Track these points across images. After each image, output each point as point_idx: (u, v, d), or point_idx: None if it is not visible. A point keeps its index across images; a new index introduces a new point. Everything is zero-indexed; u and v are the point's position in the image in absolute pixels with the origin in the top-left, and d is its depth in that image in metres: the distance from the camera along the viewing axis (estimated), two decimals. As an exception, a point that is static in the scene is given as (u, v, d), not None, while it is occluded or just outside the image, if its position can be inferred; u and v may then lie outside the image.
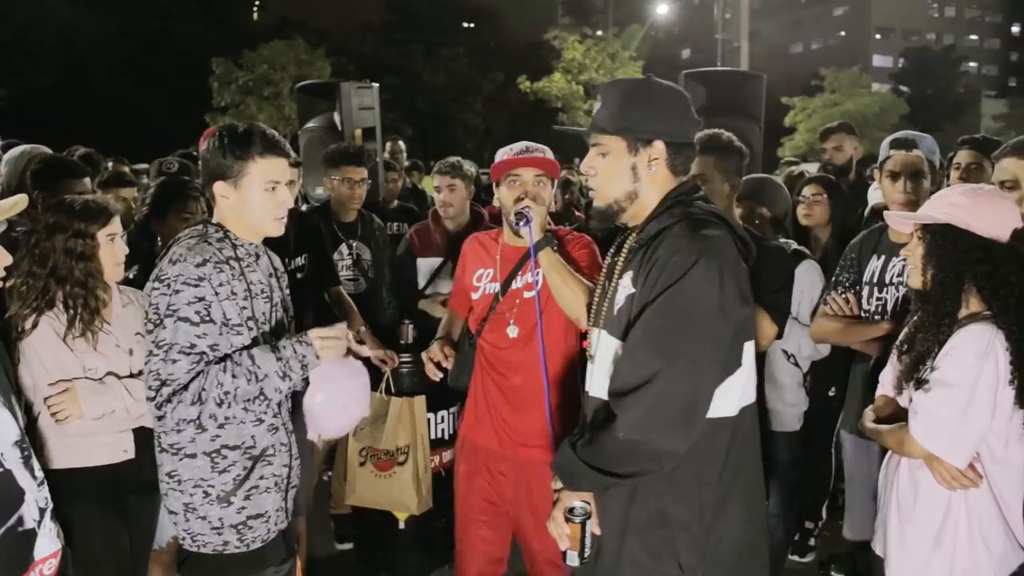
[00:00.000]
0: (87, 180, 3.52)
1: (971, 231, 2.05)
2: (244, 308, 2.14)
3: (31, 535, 1.83)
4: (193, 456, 2.13)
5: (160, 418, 2.05)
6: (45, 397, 2.41)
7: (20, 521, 1.80)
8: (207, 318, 2.06)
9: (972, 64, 51.71)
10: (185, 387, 2.02)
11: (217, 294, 2.07)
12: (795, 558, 3.92)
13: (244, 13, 38.36)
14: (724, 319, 1.74)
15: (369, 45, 34.90)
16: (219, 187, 2.16)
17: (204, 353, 2.06)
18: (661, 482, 1.80)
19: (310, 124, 5.86)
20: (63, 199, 2.54)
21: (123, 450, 2.53)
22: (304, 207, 4.70)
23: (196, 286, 2.04)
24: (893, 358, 2.28)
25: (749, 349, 1.86)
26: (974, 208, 2.06)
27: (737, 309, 1.77)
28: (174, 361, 2.03)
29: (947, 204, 2.10)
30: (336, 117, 5.73)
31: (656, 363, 1.71)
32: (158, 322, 2.05)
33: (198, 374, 2.04)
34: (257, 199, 2.15)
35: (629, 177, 1.88)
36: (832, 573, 3.76)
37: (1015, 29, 57.68)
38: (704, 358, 1.73)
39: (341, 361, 2.19)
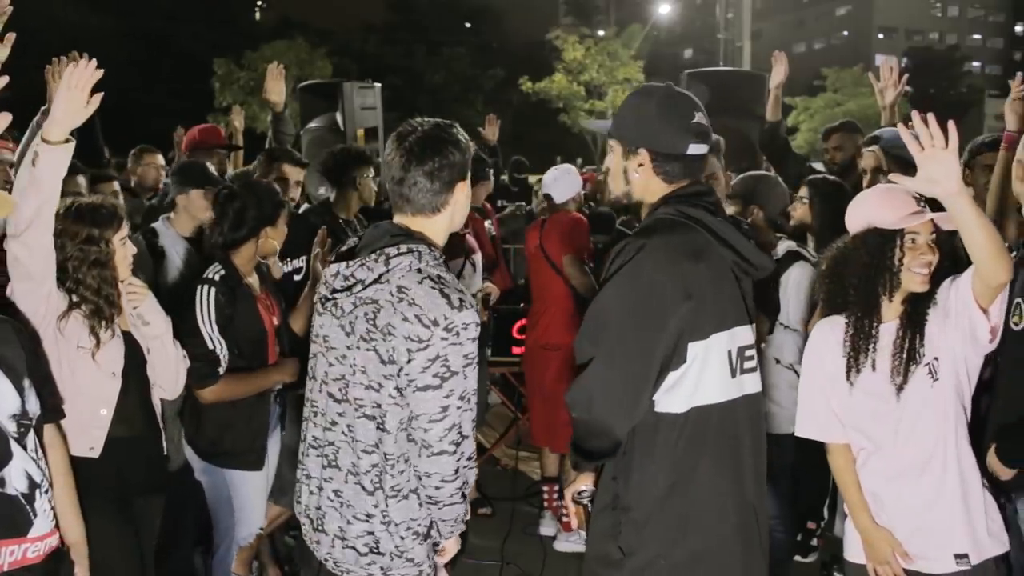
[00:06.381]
0: (80, 178, 3.51)
1: None
2: None
3: (16, 503, 1.83)
4: (407, 496, 1.97)
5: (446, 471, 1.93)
6: (124, 280, 2.51)
7: (2, 482, 1.81)
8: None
9: (975, 64, 51.58)
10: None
11: None
12: (797, 558, 3.91)
13: (246, 13, 38.40)
14: (654, 314, 1.85)
15: (371, 45, 34.94)
16: (463, 187, 1.97)
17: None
18: (619, 466, 1.95)
19: (312, 124, 5.87)
20: (69, 204, 2.47)
21: (89, 447, 2.46)
22: (304, 207, 4.69)
23: (477, 333, 1.89)
24: (886, 363, 2.18)
25: (698, 348, 1.90)
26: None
27: (676, 304, 1.85)
28: (471, 409, 1.91)
29: None
30: (338, 117, 5.75)
31: (590, 350, 1.90)
32: (456, 372, 1.85)
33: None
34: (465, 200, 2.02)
35: (622, 179, 2.05)
36: (834, 573, 3.76)
37: (1019, 28, 57.52)
38: (630, 349, 1.86)
39: None
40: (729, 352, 1.95)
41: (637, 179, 2.01)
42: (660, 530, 1.89)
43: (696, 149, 1.98)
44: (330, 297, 1.98)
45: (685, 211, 1.94)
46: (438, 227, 1.97)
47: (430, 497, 1.94)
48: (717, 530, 1.93)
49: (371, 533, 1.95)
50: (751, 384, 2.01)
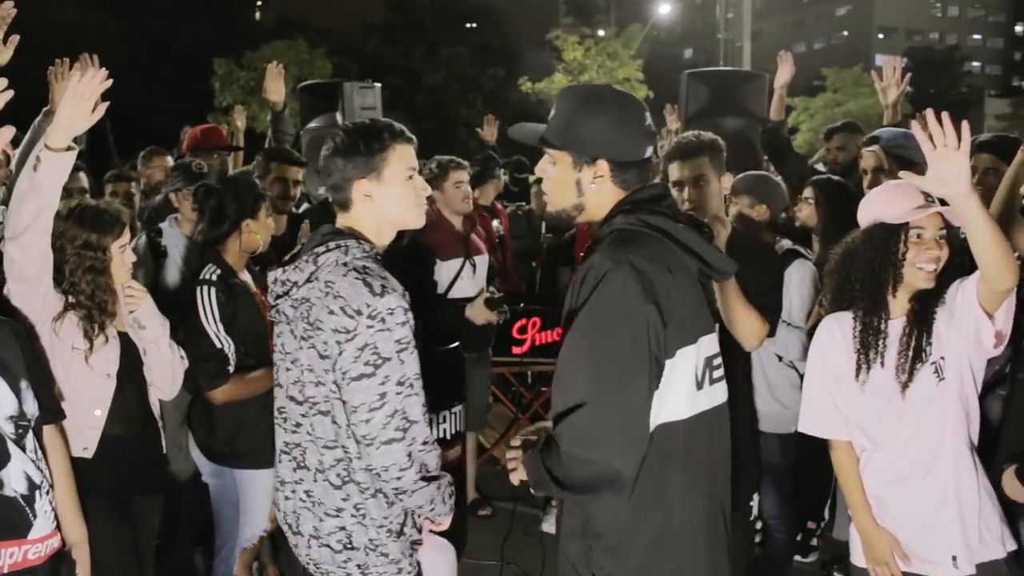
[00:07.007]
0: (82, 174, 3.57)
1: None
2: None
3: (15, 504, 1.84)
4: (375, 495, 1.99)
5: (406, 456, 1.93)
6: (123, 284, 2.53)
7: (1, 484, 1.82)
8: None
9: (975, 64, 51.57)
10: (417, 422, 1.94)
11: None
12: (798, 558, 3.92)
13: (246, 13, 38.37)
14: (637, 343, 1.73)
15: (371, 45, 34.91)
16: (361, 186, 1.99)
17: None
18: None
19: (312, 124, 5.85)
20: (73, 206, 2.47)
21: (83, 447, 2.45)
22: (304, 207, 4.69)
23: (407, 318, 1.92)
24: (892, 361, 2.20)
25: (667, 366, 1.79)
26: None
27: (656, 328, 1.74)
28: (416, 394, 1.93)
29: None
30: (338, 117, 5.72)
31: (584, 387, 1.73)
32: (388, 358, 1.87)
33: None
34: (400, 189, 2.02)
35: (574, 191, 1.90)
36: (834, 573, 3.76)
37: (1019, 28, 57.54)
38: (623, 385, 1.72)
39: (428, 543, 2.17)
40: (696, 365, 1.85)
41: (593, 190, 1.87)
42: (634, 552, 1.81)
43: (650, 152, 1.92)
44: (274, 304, 2.05)
45: (646, 220, 1.83)
46: (361, 222, 2.02)
47: (395, 489, 1.95)
48: (691, 547, 1.85)
49: (343, 528, 1.98)
50: (720, 394, 1.93)
